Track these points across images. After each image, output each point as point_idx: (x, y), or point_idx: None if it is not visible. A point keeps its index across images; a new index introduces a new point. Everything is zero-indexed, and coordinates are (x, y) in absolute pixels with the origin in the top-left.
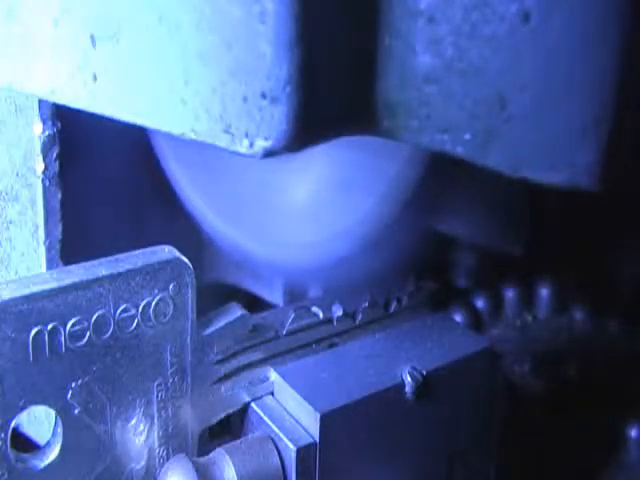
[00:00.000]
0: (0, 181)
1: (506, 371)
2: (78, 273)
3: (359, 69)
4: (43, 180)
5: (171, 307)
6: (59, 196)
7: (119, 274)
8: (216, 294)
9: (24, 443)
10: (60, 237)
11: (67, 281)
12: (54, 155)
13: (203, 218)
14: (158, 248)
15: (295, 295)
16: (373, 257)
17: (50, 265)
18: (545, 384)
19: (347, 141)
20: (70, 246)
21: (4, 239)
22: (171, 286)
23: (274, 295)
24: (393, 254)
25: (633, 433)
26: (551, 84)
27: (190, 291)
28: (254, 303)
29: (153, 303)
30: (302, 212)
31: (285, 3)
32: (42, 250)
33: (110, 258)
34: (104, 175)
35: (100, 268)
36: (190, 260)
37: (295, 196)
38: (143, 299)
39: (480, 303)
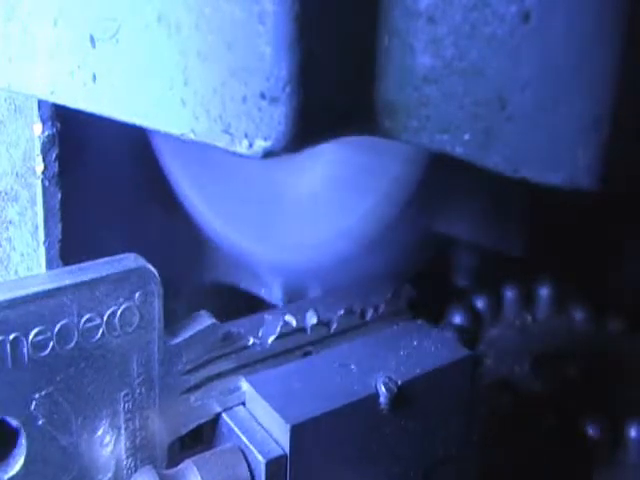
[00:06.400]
0: (0, 181)
1: (506, 371)
2: (41, 282)
3: (359, 69)
4: (43, 180)
5: (137, 316)
6: (59, 196)
7: (83, 283)
8: (216, 294)
9: None
10: (60, 237)
11: (30, 290)
12: (54, 155)
13: (202, 218)
14: (124, 256)
15: (294, 295)
16: (373, 257)
17: (50, 265)
18: (545, 384)
19: (347, 141)
20: (70, 246)
21: (4, 239)
22: (137, 295)
23: (273, 295)
24: (393, 254)
25: (633, 433)
26: (551, 84)
27: (157, 300)
28: (254, 303)
29: (118, 312)
30: (301, 213)
31: (284, 4)
32: (42, 250)
33: (74, 266)
34: (104, 175)
35: (64, 277)
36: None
37: (294, 197)
38: (108, 308)
39: (480, 303)
